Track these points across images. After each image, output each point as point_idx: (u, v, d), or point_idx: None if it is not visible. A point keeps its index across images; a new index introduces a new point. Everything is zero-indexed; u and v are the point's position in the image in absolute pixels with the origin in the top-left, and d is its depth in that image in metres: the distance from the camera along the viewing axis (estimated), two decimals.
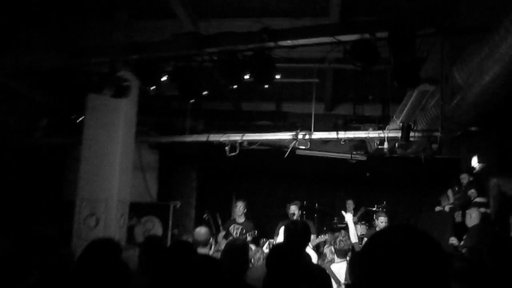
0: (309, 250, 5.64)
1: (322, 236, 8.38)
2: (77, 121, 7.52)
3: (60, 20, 6.67)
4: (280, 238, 6.62)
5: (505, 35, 4.82)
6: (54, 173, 9.67)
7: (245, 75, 5.42)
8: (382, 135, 7.89)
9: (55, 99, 8.35)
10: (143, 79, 6.13)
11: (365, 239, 8.21)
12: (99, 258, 3.45)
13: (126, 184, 7.42)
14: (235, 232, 8.54)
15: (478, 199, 8.51)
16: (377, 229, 8.06)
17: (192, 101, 6.21)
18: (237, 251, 4.12)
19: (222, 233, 8.68)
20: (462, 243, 7.54)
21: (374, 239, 1.48)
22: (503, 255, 4.00)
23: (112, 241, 3.94)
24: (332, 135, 8.24)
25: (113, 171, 7.13)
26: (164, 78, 5.80)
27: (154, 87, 5.87)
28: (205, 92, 5.87)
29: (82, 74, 5.94)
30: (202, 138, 8.76)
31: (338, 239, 6.44)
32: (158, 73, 5.76)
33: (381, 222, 8.09)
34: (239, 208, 8.64)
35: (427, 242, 1.44)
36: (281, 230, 6.70)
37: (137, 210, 9.04)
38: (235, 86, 5.55)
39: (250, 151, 8.68)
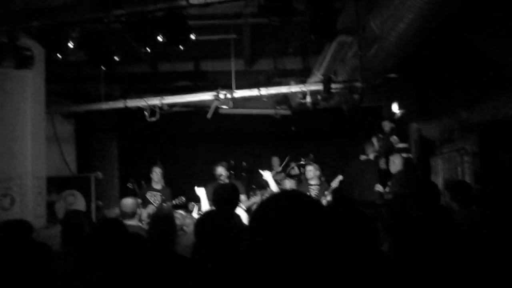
0: (240, 210, 5.71)
1: (253, 197, 8.48)
2: None
3: None
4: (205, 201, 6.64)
5: None
6: None
7: (158, 36, 5.27)
8: (304, 89, 8.01)
9: None
10: (47, 47, 5.84)
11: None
12: (9, 241, 3.32)
13: (40, 159, 7.14)
14: (152, 199, 8.46)
15: (400, 145, 8.86)
16: (308, 181, 8.28)
17: (102, 67, 5.99)
18: (163, 222, 4.10)
19: (139, 201, 8.57)
20: (387, 189, 7.90)
21: (260, 207, 1.50)
22: (426, 199, 4.18)
23: (22, 221, 3.81)
24: (254, 92, 8.26)
25: (24, 145, 6.83)
26: (70, 45, 5.55)
27: (60, 54, 5.60)
28: (116, 58, 5.67)
29: None
30: (119, 104, 8.55)
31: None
32: (63, 39, 5.49)
33: (309, 170, 8.28)
34: (156, 174, 8.56)
35: (312, 207, 1.46)
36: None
37: (56, 185, 8.76)
38: (148, 49, 5.40)
39: (171, 114, 8.56)
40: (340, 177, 8.13)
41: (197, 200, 8.57)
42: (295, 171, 10.35)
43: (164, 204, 8.20)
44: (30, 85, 6.82)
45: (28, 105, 6.85)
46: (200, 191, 6.36)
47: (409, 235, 4.23)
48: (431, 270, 3.34)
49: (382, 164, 9.07)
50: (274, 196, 1.57)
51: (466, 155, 8.42)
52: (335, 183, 8.05)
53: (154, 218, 4.34)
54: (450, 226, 3.97)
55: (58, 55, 5.64)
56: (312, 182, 8.22)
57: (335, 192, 7.97)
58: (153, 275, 2.85)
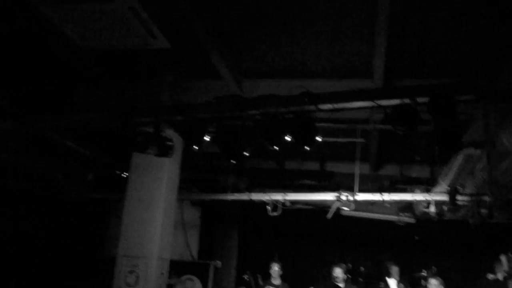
0: None
1: None
2: (122, 177, 7.86)
3: (111, 82, 7.20)
4: None
5: None
6: (97, 228, 10.03)
7: (286, 136, 5.61)
8: (428, 198, 7.91)
9: (102, 156, 8.79)
10: (186, 139, 6.45)
11: None
12: None
13: (167, 242, 7.61)
14: None
15: None
16: None
17: (232, 161, 6.44)
18: None
19: None
20: None
21: None
22: None
23: None
24: (376, 196, 8.30)
25: (154, 228, 7.34)
26: (207, 139, 6.07)
27: (196, 146, 6.14)
28: (246, 153, 6.09)
29: (128, 133, 6.29)
30: (244, 196, 8.96)
31: None
32: (201, 133, 6.03)
33: (433, 284, 7.96)
34: (274, 269, 8.72)
35: None
36: None
37: (177, 268, 9.19)
38: (276, 148, 5.75)
39: (293, 210, 8.80)
40: None
41: None
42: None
43: None
44: (167, 173, 7.45)
45: (163, 191, 7.44)
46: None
47: None
48: None
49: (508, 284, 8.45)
50: None
51: None
52: None
53: None
54: None
55: (195, 146, 6.17)
56: None
57: None
58: None
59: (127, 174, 7.52)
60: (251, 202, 8.95)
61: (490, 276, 9.01)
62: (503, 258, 9.11)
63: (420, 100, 5.01)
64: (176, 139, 6.84)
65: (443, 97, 4.79)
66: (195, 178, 10.07)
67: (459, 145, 5.42)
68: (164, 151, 6.29)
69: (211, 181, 10.03)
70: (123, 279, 7.19)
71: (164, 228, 7.48)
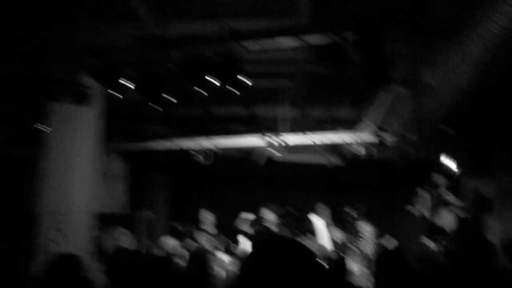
0: None
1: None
2: (41, 129, 7.35)
3: (17, 24, 6.54)
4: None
5: (473, 35, 4.86)
6: (19, 185, 9.46)
7: (212, 79, 5.35)
8: (356, 139, 7.93)
9: (19, 108, 8.17)
10: (106, 85, 6.03)
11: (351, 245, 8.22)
12: (61, 274, 3.36)
13: (93, 195, 7.29)
14: (204, 241, 8.47)
15: (453, 201, 8.55)
16: (358, 233, 8.11)
17: (158, 108, 6.10)
18: (200, 262, 4.09)
19: (191, 242, 8.61)
20: (437, 246, 7.60)
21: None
22: (481, 259, 3.99)
23: (75, 257, 3.84)
24: (306, 139, 8.24)
25: (78, 181, 7.00)
26: (129, 85, 5.70)
27: (117, 93, 5.77)
28: (173, 100, 5.79)
29: (41, 80, 5.80)
30: (173, 145, 8.68)
31: (312, 248, 6.39)
32: (120, 78, 5.66)
33: (362, 226, 8.14)
34: (207, 217, 8.62)
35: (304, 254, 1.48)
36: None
37: (105, 221, 8.88)
38: (202, 91, 5.49)
39: (222, 158, 8.63)
40: (392, 240, 7.89)
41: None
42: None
43: (215, 247, 8.18)
44: (87, 122, 7.03)
45: (85, 142, 7.04)
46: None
47: None
48: None
49: (431, 218, 8.77)
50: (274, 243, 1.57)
51: None
52: (385, 241, 7.82)
53: (192, 258, 4.34)
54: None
55: (115, 93, 5.80)
56: (362, 235, 8.05)
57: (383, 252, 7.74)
58: None
59: (45, 126, 7.01)
60: (180, 151, 8.68)
61: (412, 210, 9.31)
62: (423, 193, 9.41)
63: (348, 37, 4.85)
64: (95, 87, 6.40)
65: (371, 32, 4.65)
66: (121, 128, 9.64)
67: (387, 80, 5.35)
68: (83, 98, 5.88)
69: (138, 130, 9.63)
70: (48, 236, 6.83)
71: (89, 180, 7.13)
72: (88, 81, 6.22)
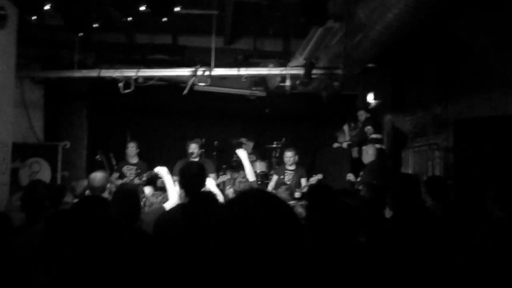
0: (215, 189, 5.57)
1: (223, 175, 8.36)
2: None
3: None
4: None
5: None
6: None
7: (141, 6, 5.04)
8: (284, 72, 7.89)
9: None
10: (22, 7, 5.53)
11: (274, 177, 8.32)
12: None
13: (6, 124, 6.85)
14: (129, 173, 8.34)
15: (374, 136, 8.83)
16: (285, 165, 8.20)
17: (80, 34, 5.69)
18: (127, 196, 3.97)
19: (116, 175, 8.44)
20: (359, 179, 7.87)
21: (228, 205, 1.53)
22: (407, 193, 4.15)
23: None
24: (233, 71, 8.11)
25: None
26: (47, 7, 5.26)
27: (35, 16, 5.30)
28: (95, 25, 5.41)
29: None
30: (93, 73, 8.27)
31: (238, 180, 6.43)
32: (40, 0, 5.20)
33: (287, 157, 8.21)
34: (131, 148, 8.47)
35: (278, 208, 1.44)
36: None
37: (21, 151, 8.46)
38: (130, 18, 5.17)
39: (145, 87, 8.33)
40: (319, 176, 8.02)
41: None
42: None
43: (137, 179, 8.03)
44: (0, 47, 6.48)
45: None
46: (162, 170, 6.14)
47: (384, 228, 4.21)
48: (406, 261, 3.31)
49: (354, 153, 9.05)
50: (242, 196, 1.52)
51: (437, 150, 8.46)
52: (313, 180, 7.94)
53: (117, 193, 4.21)
54: (426, 220, 3.95)
55: (32, 17, 5.34)
56: (288, 167, 8.16)
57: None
58: (114, 252, 2.71)
59: None
60: (100, 79, 8.27)
61: (335, 145, 9.57)
62: (345, 128, 9.66)
63: None
64: (9, 8, 5.86)
65: None
66: (37, 54, 9.00)
67: (324, 17, 5.28)
68: None
69: (55, 56, 9.02)
70: None
71: (2, 108, 6.66)
72: (2, 2, 5.67)
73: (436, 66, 8.33)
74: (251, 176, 5.80)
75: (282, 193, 5.89)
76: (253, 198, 1.46)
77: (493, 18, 6.18)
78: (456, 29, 7.07)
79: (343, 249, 2.89)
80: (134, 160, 8.55)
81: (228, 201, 1.57)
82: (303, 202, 5.53)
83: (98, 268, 2.28)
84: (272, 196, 1.49)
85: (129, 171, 8.40)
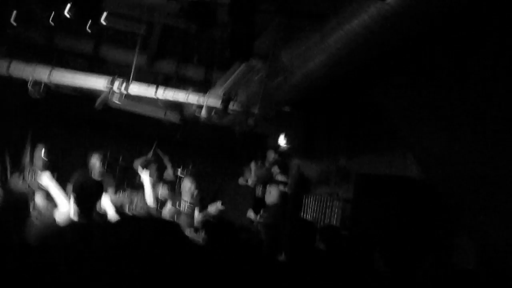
0: (110, 207, 5.34)
1: (121, 194, 8.08)
2: None
3: None
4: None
5: (336, 28, 5.03)
6: None
7: (65, 8, 4.82)
8: (201, 101, 7.83)
9: None
10: None
11: (168, 202, 8.10)
12: None
13: None
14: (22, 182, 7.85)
15: (279, 177, 8.97)
16: (182, 195, 8.04)
17: None
18: (16, 205, 3.74)
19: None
20: (259, 218, 7.91)
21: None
22: (296, 235, 4.23)
23: None
24: (150, 90, 7.92)
25: None
26: None
27: None
28: (12, 22, 5.10)
29: None
30: (1, 69, 7.76)
31: (135, 201, 6.24)
32: None
33: (186, 186, 8.06)
34: (37, 155, 8.00)
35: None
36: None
37: None
38: (52, 23, 4.92)
39: (56, 93, 7.95)
40: (219, 205, 7.91)
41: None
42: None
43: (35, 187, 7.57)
44: None
45: None
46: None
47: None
48: None
49: (258, 191, 9.11)
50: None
51: (337, 200, 8.74)
52: (212, 210, 7.78)
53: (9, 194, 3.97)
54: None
55: None
56: (185, 197, 7.95)
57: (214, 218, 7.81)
58: None
59: None
60: (8, 77, 7.77)
61: (241, 181, 9.58)
62: (252, 166, 9.73)
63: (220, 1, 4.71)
64: None
65: (245, 1, 4.56)
66: None
67: (249, 54, 5.33)
68: None
69: None
70: None
71: None
72: None
73: (346, 120, 8.68)
74: (150, 201, 5.65)
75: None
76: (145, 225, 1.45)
77: (406, 88, 6.54)
78: (369, 91, 7.41)
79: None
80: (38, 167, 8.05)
81: (120, 223, 1.50)
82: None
83: None
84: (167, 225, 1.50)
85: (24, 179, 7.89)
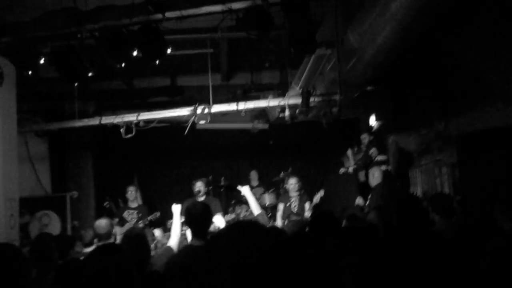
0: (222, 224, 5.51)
1: (230, 214, 8.30)
2: None
3: None
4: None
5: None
6: None
7: (133, 51, 5.06)
8: (282, 102, 7.88)
9: None
10: (18, 63, 5.57)
11: (280, 205, 8.23)
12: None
13: (12, 179, 6.81)
14: (130, 217, 8.25)
15: (379, 158, 8.75)
16: (289, 193, 8.17)
17: (76, 84, 5.71)
18: (135, 241, 3.91)
19: (115, 220, 8.34)
20: (367, 202, 7.77)
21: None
22: (408, 211, 4.06)
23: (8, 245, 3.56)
24: (232, 106, 8.10)
25: None
26: (42, 61, 5.29)
27: (31, 71, 5.34)
28: (90, 74, 5.42)
29: None
30: (94, 121, 8.30)
31: (242, 215, 6.33)
32: (34, 55, 5.23)
33: (291, 183, 8.19)
34: (131, 192, 8.39)
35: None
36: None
37: (29, 205, 8.45)
38: (123, 65, 5.18)
39: (147, 130, 8.34)
40: (321, 193, 8.00)
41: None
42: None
43: (140, 222, 7.95)
44: (1, 104, 6.50)
45: None
46: (176, 208, 6.10)
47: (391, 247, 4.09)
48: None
49: (361, 177, 8.96)
50: (228, 228, 1.55)
51: (444, 167, 8.36)
52: (316, 199, 7.94)
53: (126, 237, 4.15)
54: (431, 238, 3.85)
55: (29, 72, 5.37)
56: (292, 194, 8.12)
57: (315, 208, 7.87)
58: None
59: None
60: (103, 126, 8.29)
61: (341, 170, 9.47)
62: (349, 152, 9.59)
63: (272, 0, 4.71)
64: (6, 65, 5.89)
65: None
66: (38, 107, 9.08)
67: (314, 46, 5.28)
68: None
69: (56, 108, 9.10)
70: None
71: (7, 165, 6.64)
72: None
73: (434, 83, 8.30)
74: (256, 210, 5.72)
75: (290, 227, 5.78)
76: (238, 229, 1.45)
77: (484, 35, 6.16)
78: (448, 46, 7.06)
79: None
80: (134, 204, 8.47)
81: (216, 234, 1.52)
82: None
83: None
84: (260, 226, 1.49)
85: (130, 216, 8.31)
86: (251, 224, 1.48)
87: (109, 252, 3.42)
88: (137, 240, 3.98)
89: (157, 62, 5.32)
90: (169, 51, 5.23)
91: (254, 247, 1.36)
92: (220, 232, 1.52)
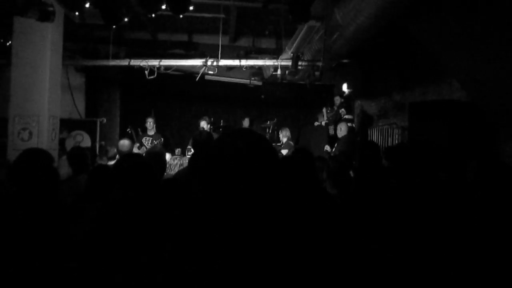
0: None
1: None
2: (7, 44, 6.63)
3: None
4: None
5: None
6: None
7: (162, 4, 4.95)
8: (276, 63, 7.82)
9: None
10: (67, 5, 5.43)
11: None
12: (32, 164, 3.10)
13: (55, 101, 6.78)
14: (146, 142, 8.29)
15: (346, 116, 8.79)
16: (281, 139, 8.26)
17: (114, 26, 5.59)
18: (157, 156, 3.96)
19: (137, 145, 8.38)
20: (334, 149, 7.85)
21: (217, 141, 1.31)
22: (365, 155, 4.15)
23: (43, 150, 3.58)
24: (235, 62, 8.03)
25: (43, 89, 6.46)
26: (87, 5, 5.16)
27: (77, 13, 5.21)
28: (126, 19, 5.31)
29: None
30: (124, 62, 8.17)
31: None
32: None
33: (283, 135, 8.26)
34: (149, 123, 8.38)
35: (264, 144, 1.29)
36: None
37: (67, 125, 8.44)
38: (153, 15, 5.08)
39: (166, 75, 8.27)
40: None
41: (184, 146, 8.42)
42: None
43: (156, 143, 8.00)
44: (50, 39, 6.38)
45: (48, 55, 6.44)
46: None
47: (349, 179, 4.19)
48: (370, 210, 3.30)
49: (331, 130, 9.01)
50: (230, 133, 1.34)
51: (396, 129, 8.44)
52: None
53: (149, 153, 4.20)
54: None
55: (76, 13, 5.25)
56: (283, 140, 8.19)
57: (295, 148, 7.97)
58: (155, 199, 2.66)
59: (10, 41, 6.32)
60: (130, 68, 8.19)
61: (315, 124, 9.52)
62: (324, 110, 9.60)
63: None
64: (56, 6, 5.76)
65: None
66: (78, 47, 8.90)
67: (308, 16, 5.20)
68: (46, 15, 5.27)
69: (94, 49, 8.94)
70: (17, 136, 6.36)
71: (52, 88, 6.60)
72: (51, 1, 5.56)
73: (396, 61, 8.27)
74: None
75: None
76: (236, 134, 1.31)
77: (445, 21, 6.10)
78: (412, 30, 6.99)
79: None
80: (151, 132, 8.45)
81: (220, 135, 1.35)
82: None
83: (135, 213, 2.22)
84: (257, 133, 1.34)
85: (147, 141, 8.33)
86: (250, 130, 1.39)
87: (137, 156, 3.47)
88: (157, 155, 4.04)
89: (181, 16, 5.22)
90: (190, 8, 5.12)
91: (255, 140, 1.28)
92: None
